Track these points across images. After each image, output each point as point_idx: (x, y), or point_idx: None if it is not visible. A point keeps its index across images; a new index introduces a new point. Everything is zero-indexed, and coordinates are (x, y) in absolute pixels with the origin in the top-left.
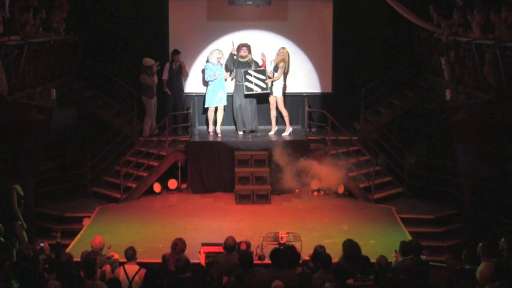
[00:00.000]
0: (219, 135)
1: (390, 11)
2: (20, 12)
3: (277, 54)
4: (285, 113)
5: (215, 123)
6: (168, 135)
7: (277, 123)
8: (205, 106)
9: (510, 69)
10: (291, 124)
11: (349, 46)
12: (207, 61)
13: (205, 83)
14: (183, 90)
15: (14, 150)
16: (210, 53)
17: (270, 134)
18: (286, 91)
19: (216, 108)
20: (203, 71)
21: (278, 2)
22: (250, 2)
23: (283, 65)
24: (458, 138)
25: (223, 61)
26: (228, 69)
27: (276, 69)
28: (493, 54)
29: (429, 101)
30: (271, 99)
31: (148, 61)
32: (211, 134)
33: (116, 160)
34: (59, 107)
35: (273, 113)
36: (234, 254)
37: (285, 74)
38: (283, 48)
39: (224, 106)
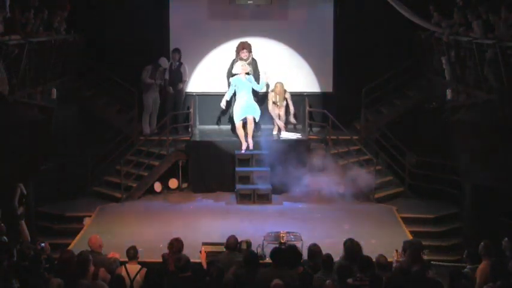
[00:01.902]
0: (250, 147)
1: (391, 10)
2: (20, 11)
3: (277, 89)
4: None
5: (246, 136)
6: (169, 134)
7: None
8: (236, 123)
9: (511, 69)
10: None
11: (349, 45)
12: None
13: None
14: (183, 90)
15: (15, 149)
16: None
17: (273, 133)
18: (286, 90)
19: (245, 121)
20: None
21: (279, 1)
22: (251, 1)
23: (289, 96)
24: (459, 138)
25: (250, 70)
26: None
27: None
28: (494, 53)
29: (430, 100)
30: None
31: (161, 60)
32: (243, 150)
33: (116, 159)
34: (59, 106)
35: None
36: (236, 253)
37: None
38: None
39: (254, 117)
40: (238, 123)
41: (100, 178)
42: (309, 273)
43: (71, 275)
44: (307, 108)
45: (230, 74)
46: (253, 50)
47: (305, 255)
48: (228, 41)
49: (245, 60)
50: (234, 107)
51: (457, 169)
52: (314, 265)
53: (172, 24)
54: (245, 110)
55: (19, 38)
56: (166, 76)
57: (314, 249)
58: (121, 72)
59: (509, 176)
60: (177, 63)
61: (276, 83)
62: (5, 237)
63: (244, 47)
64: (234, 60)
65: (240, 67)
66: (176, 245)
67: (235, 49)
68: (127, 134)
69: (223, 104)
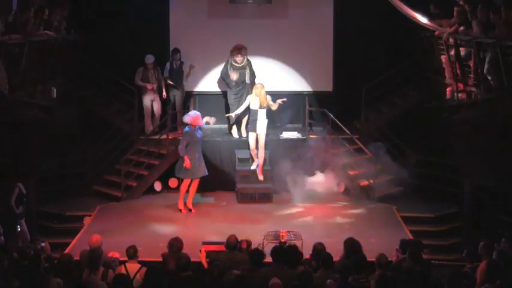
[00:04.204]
0: (193, 211)
1: (391, 9)
2: (20, 11)
3: (257, 91)
4: (261, 153)
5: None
6: (169, 133)
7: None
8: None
9: (510, 68)
10: (290, 123)
11: (350, 44)
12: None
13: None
14: (183, 89)
15: (15, 148)
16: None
17: (251, 168)
18: (286, 90)
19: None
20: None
21: (279, 1)
22: (251, 1)
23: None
24: (459, 137)
25: (213, 121)
26: (227, 76)
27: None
28: (494, 53)
29: (430, 99)
30: (252, 136)
31: (147, 58)
32: (184, 211)
33: (116, 159)
34: (59, 105)
35: (255, 150)
36: (236, 253)
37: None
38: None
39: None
40: (185, 181)
41: (100, 177)
42: (309, 272)
43: (73, 276)
44: (307, 107)
45: (225, 75)
46: (253, 49)
47: (305, 255)
48: (228, 40)
49: (239, 63)
50: (186, 161)
51: (457, 169)
52: (317, 264)
53: (172, 24)
54: (195, 173)
55: (19, 37)
56: (166, 74)
57: (319, 248)
58: (121, 72)
59: (509, 176)
60: (178, 62)
61: (257, 84)
62: (2, 237)
63: (240, 51)
64: (227, 61)
65: (189, 119)
66: (176, 245)
67: (230, 50)
68: (127, 133)
69: (182, 154)
